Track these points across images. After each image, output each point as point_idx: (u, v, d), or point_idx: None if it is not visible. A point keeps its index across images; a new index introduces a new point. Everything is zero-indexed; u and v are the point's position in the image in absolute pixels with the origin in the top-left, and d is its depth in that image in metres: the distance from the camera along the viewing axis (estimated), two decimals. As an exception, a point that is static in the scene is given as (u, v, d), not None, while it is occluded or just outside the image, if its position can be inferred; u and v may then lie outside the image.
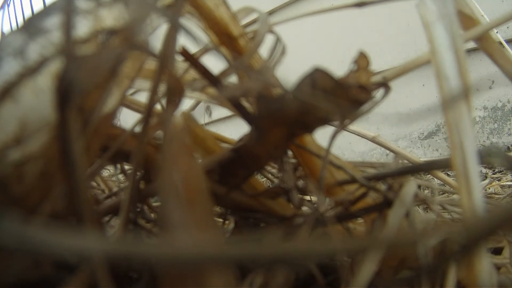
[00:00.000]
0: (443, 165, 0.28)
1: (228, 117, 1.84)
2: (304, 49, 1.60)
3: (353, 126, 0.49)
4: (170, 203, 0.16)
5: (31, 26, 0.19)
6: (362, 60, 0.23)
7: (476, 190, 0.19)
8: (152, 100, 0.23)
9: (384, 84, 0.25)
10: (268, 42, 0.33)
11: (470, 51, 1.17)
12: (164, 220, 0.15)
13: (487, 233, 0.12)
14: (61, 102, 0.16)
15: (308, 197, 0.39)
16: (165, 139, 0.20)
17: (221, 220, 0.36)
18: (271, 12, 1.73)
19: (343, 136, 0.33)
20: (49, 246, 0.11)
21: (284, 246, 0.11)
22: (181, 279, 0.13)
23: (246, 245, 0.11)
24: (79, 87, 0.16)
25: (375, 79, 0.27)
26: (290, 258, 0.11)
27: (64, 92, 0.16)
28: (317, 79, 0.21)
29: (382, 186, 0.28)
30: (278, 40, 0.34)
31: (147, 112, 0.23)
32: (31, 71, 0.18)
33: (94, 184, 0.50)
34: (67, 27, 0.16)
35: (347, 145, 1.63)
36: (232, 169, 0.28)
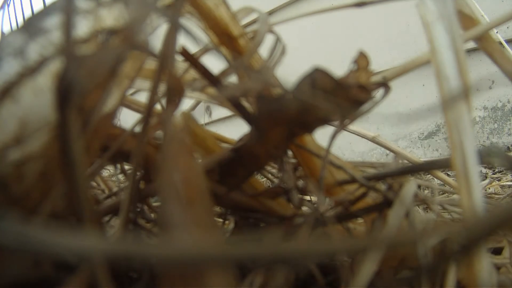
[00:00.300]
0: (443, 165, 0.28)
1: (228, 117, 1.84)
2: (304, 49, 1.60)
3: (353, 126, 0.49)
4: (170, 203, 0.16)
5: (31, 26, 0.19)
6: (362, 60, 0.23)
7: (476, 190, 0.19)
8: (152, 100, 0.23)
9: (384, 84, 0.25)
10: (268, 42, 0.33)
11: (470, 51, 1.17)
12: (164, 220, 0.15)
13: (487, 233, 0.12)
14: (61, 102, 0.16)
15: (308, 197, 0.39)
16: (165, 139, 0.20)
17: (221, 220, 0.36)
18: (271, 12, 1.73)
19: (343, 136, 0.33)
20: (49, 246, 0.11)
21: (284, 246, 0.11)
22: (181, 279, 0.13)
23: (246, 245, 0.11)
24: (79, 87, 0.16)
25: (375, 79, 0.27)
26: (290, 258, 0.11)
27: (64, 92, 0.16)
28: (317, 79, 0.21)
29: (382, 186, 0.28)
30: (278, 40, 0.34)
31: (147, 112, 0.23)
32: (31, 71, 0.18)
33: (94, 184, 0.50)
34: (67, 27, 0.16)
35: (347, 145, 1.63)
36: (232, 169, 0.28)
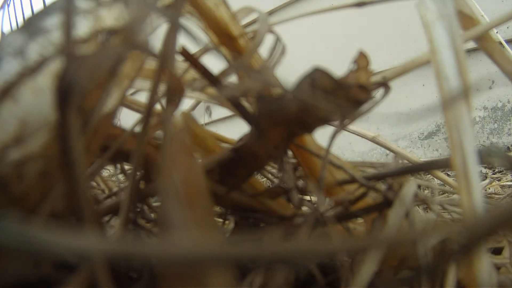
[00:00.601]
0: (443, 165, 0.28)
1: (228, 117, 1.84)
2: (304, 49, 1.60)
3: (353, 126, 0.49)
4: (170, 203, 0.16)
5: (31, 26, 0.19)
6: (362, 60, 0.23)
7: (476, 190, 0.19)
8: (152, 100, 0.23)
9: (384, 84, 0.25)
10: (268, 42, 0.33)
11: (470, 51, 1.17)
12: (164, 220, 0.15)
13: (487, 233, 0.12)
14: (61, 102, 0.16)
15: (308, 197, 0.39)
16: (165, 139, 0.20)
17: (221, 220, 0.36)
18: (271, 12, 1.73)
19: (343, 136, 0.33)
20: (49, 246, 0.11)
21: (284, 246, 0.11)
22: (181, 279, 0.13)
23: (246, 245, 0.11)
24: (79, 87, 0.16)
25: (375, 79, 0.27)
26: (290, 258, 0.11)
27: (64, 92, 0.16)
28: (317, 79, 0.21)
29: (382, 186, 0.28)
30: (278, 40, 0.34)
31: (147, 112, 0.23)
32: (31, 71, 0.18)
33: (94, 184, 0.50)
34: (67, 27, 0.16)
35: (347, 145, 1.63)
36: (232, 169, 0.28)
